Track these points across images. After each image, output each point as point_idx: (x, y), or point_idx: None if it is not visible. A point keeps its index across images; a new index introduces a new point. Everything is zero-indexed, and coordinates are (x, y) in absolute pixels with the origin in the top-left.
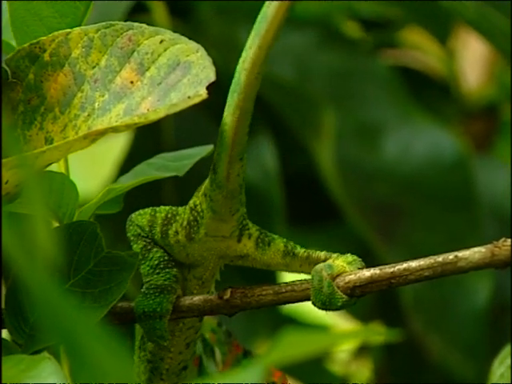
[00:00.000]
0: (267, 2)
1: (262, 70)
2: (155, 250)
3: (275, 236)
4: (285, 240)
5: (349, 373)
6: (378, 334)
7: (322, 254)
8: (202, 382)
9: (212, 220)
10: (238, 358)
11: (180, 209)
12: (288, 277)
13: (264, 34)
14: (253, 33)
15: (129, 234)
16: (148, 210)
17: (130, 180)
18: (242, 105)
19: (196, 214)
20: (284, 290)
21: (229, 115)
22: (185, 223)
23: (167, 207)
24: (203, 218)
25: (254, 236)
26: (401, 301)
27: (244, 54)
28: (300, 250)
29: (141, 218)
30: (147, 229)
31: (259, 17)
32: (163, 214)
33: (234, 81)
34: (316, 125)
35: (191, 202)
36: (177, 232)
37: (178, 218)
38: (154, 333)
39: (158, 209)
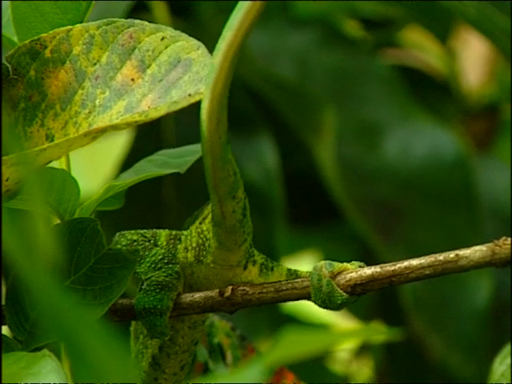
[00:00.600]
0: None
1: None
2: (157, 249)
3: (279, 263)
4: (288, 267)
5: (350, 372)
6: (379, 333)
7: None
8: (203, 382)
9: (219, 250)
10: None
11: (185, 232)
12: None
13: (235, 30)
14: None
15: (121, 245)
16: (137, 231)
17: (131, 177)
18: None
19: (204, 239)
20: (285, 288)
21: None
22: (194, 244)
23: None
24: (210, 247)
25: (259, 262)
26: (401, 300)
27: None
28: (302, 272)
29: (133, 232)
30: (149, 235)
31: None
32: (167, 232)
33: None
34: (316, 124)
35: (198, 226)
36: (186, 249)
37: (183, 238)
38: (155, 329)
39: (155, 230)
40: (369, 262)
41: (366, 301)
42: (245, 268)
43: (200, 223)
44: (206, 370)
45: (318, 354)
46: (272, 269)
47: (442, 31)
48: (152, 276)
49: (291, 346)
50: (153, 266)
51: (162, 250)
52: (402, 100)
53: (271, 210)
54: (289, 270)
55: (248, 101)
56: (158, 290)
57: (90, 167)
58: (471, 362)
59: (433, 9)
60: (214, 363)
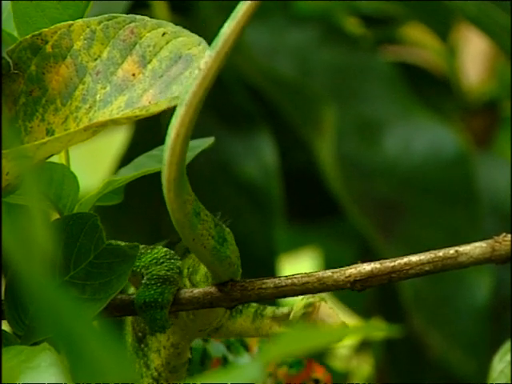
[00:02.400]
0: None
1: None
2: (159, 246)
3: (249, 304)
4: (257, 305)
5: (349, 369)
6: (379, 330)
7: (286, 309)
8: (203, 382)
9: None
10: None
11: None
12: (289, 269)
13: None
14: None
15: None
16: None
17: (131, 172)
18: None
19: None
20: (284, 284)
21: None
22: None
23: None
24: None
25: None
26: (401, 297)
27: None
28: (268, 310)
29: None
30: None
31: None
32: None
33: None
34: (316, 121)
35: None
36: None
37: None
38: (155, 323)
39: None
40: (368, 259)
41: (365, 297)
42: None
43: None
44: (225, 364)
45: (318, 351)
46: (241, 311)
47: (443, 28)
48: (153, 270)
49: (291, 343)
50: (154, 261)
51: (164, 249)
52: (402, 97)
53: (270, 207)
54: (256, 310)
55: (247, 98)
56: (158, 284)
57: (90, 164)
58: (471, 359)
59: (433, 6)
60: (234, 355)
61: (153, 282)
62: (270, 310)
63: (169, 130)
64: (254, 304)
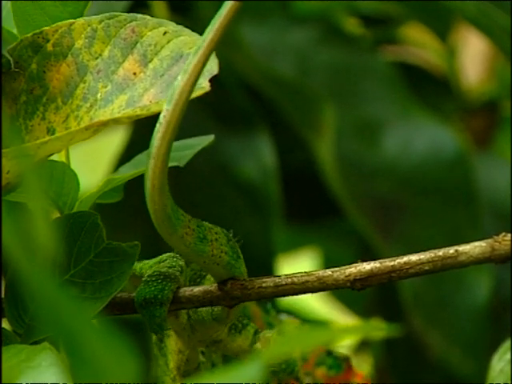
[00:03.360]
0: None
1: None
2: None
3: (249, 324)
4: (255, 326)
5: (349, 356)
6: (378, 329)
7: (267, 332)
8: (203, 381)
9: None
10: (321, 357)
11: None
12: (288, 269)
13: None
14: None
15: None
16: None
17: (130, 170)
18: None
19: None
20: (284, 283)
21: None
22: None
23: None
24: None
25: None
26: (401, 297)
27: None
28: (266, 333)
29: None
30: None
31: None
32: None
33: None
34: (316, 121)
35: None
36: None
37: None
38: (153, 320)
39: None
40: (368, 259)
41: (365, 297)
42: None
43: None
44: None
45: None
46: (240, 331)
47: (442, 28)
48: (156, 268)
49: (291, 342)
50: (158, 260)
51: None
52: (401, 97)
53: (268, 207)
54: (255, 331)
55: (246, 98)
56: (159, 281)
57: (89, 164)
58: (471, 358)
59: (432, 6)
60: None
61: (153, 279)
62: (267, 333)
63: (145, 181)
64: (253, 324)
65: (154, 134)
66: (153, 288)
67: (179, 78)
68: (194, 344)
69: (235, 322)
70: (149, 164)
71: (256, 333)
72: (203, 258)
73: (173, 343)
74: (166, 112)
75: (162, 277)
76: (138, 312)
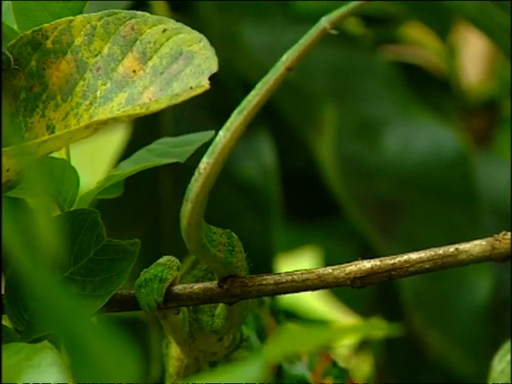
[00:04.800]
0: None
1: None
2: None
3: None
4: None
5: (349, 368)
6: (379, 329)
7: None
8: (203, 381)
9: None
10: (327, 368)
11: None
12: (288, 269)
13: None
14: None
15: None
16: None
17: (131, 166)
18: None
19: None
20: (284, 280)
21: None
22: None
23: None
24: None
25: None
26: (401, 296)
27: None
28: None
29: None
30: None
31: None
32: None
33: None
34: (316, 120)
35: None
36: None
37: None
38: (151, 295)
39: None
40: (368, 258)
41: (365, 297)
42: (220, 340)
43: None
44: (279, 371)
45: (317, 350)
46: (238, 347)
47: (442, 28)
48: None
49: (291, 342)
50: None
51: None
52: (401, 96)
53: (268, 207)
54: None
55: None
56: (158, 268)
57: (88, 164)
58: (471, 358)
59: (432, 6)
60: (288, 363)
61: (153, 266)
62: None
63: (180, 218)
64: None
65: (193, 180)
66: (152, 270)
67: (221, 133)
68: (195, 353)
69: (236, 335)
70: (185, 206)
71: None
72: (229, 269)
73: (173, 350)
74: (207, 165)
75: (161, 263)
76: (136, 294)
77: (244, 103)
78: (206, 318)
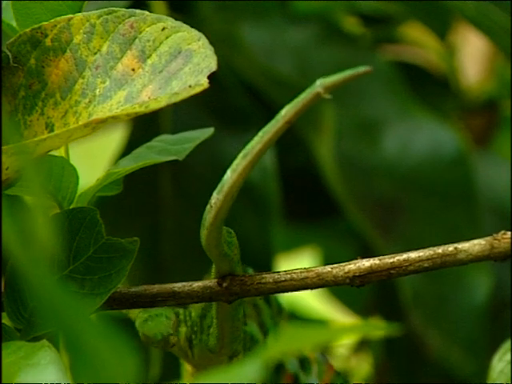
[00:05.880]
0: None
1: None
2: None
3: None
4: None
5: (348, 368)
6: (378, 328)
7: None
8: (203, 381)
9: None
10: (332, 379)
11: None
12: (287, 267)
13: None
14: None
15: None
16: None
17: (130, 164)
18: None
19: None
20: (283, 279)
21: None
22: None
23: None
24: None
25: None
26: (400, 296)
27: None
28: None
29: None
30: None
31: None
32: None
33: None
34: (315, 120)
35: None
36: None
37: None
38: (160, 326)
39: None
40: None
41: (364, 296)
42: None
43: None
44: (296, 381)
45: (316, 350)
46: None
47: (441, 27)
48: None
49: (290, 342)
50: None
51: None
52: (401, 96)
53: (267, 207)
54: None
55: (245, 97)
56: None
57: (89, 163)
58: (470, 358)
59: (432, 5)
60: (305, 375)
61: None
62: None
63: (201, 240)
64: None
65: (206, 212)
66: (154, 311)
67: (228, 173)
68: (194, 365)
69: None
70: (202, 231)
71: None
72: (231, 267)
73: (187, 365)
74: (217, 200)
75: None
76: (143, 328)
77: (248, 148)
78: (204, 337)
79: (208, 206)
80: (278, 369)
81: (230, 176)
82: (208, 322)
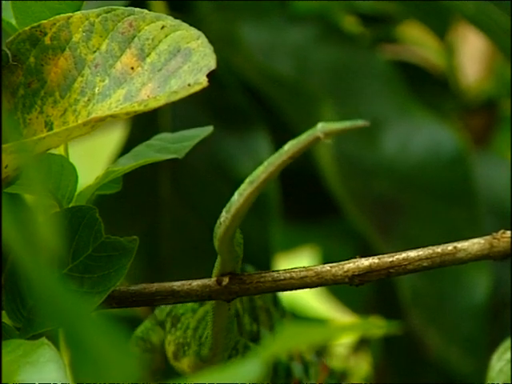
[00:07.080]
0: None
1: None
2: None
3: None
4: None
5: (347, 367)
6: (377, 327)
7: None
8: (203, 381)
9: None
10: (327, 379)
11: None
12: (286, 266)
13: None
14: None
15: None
16: None
17: (130, 162)
18: None
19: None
20: (282, 278)
21: None
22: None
23: None
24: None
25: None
26: (399, 295)
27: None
28: None
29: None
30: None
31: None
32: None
33: None
34: (314, 120)
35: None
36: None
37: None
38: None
39: None
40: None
41: (364, 295)
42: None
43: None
44: None
45: (315, 349)
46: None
47: (441, 26)
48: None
49: (289, 341)
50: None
51: None
52: (400, 95)
53: (266, 206)
54: None
55: (244, 96)
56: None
57: (88, 162)
58: (470, 357)
59: (431, 4)
60: (307, 379)
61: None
62: None
63: (214, 243)
64: None
65: (216, 227)
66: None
67: (235, 196)
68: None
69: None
70: (215, 241)
71: None
72: (234, 265)
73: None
74: (225, 218)
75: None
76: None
77: (254, 175)
78: (195, 347)
79: (217, 223)
80: (287, 374)
81: (236, 199)
82: (200, 333)
